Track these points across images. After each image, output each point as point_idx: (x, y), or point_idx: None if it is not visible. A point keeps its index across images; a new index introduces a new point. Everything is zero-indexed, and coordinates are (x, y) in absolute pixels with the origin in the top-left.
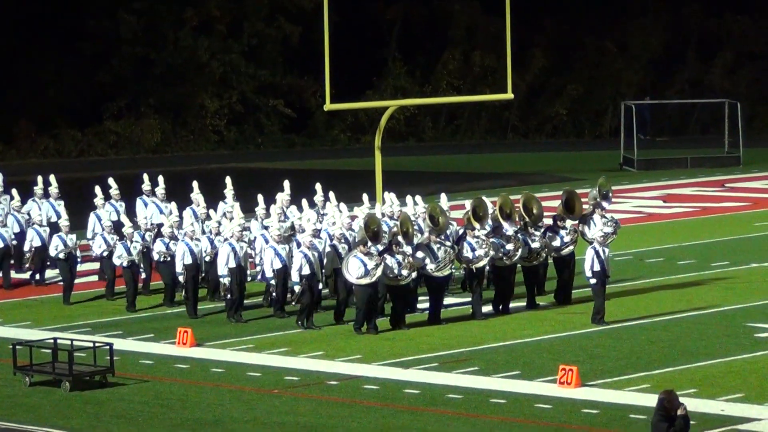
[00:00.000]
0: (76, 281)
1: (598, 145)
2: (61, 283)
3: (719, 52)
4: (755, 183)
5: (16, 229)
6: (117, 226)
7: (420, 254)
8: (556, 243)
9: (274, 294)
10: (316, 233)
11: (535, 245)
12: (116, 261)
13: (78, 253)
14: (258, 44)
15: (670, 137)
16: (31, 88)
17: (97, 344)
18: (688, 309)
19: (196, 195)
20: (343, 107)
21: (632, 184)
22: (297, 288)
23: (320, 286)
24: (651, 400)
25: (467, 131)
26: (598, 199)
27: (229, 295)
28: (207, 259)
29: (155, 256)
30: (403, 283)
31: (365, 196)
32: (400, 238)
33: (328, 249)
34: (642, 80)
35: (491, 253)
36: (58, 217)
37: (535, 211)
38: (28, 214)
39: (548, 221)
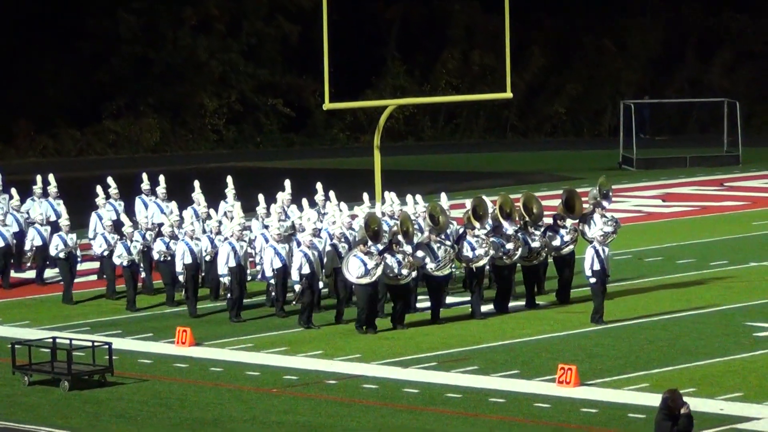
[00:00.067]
0: (76, 281)
1: (597, 144)
2: (61, 282)
3: (718, 51)
4: (754, 182)
5: (15, 229)
6: (117, 226)
7: (420, 253)
8: (556, 242)
9: (273, 293)
10: (317, 232)
11: (535, 244)
12: (116, 260)
13: (78, 253)
14: (257, 43)
15: (669, 136)
16: (30, 87)
17: (96, 343)
18: (687, 308)
19: (198, 194)
20: (342, 106)
21: (631, 183)
22: (297, 287)
23: (321, 285)
24: (650, 400)
25: (466, 130)
26: (599, 199)
27: (229, 295)
28: (207, 258)
29: (155, 256)
30: (403, 283)
31: (365, 196)
32: (400, 237)
33: (328, 248)
34: (641, 79)
35: (491, 252)
36: (57, 216)
37: (535, 210)
38: (27, 213)
39: (548, 220)
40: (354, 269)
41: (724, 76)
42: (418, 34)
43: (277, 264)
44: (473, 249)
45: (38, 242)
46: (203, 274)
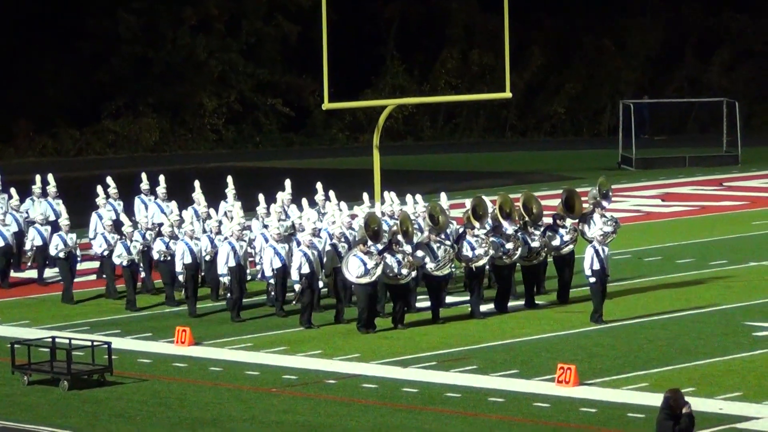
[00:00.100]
0: (76, 280)
1: (596, 143)
2: (61, 282)
3: (717, 50)
4: (753, 182)
5: (15, 229)
6: (117, 226)
7: (420, 253)
8: (556, 242)
9: (272, 293)
10: (316, 232)
11: (535, 244)
12: (116, 260)
13: (78, 252)
14: (256, 43)
15: (669, 136)
16: (29, 87)
17: (95, 343)
18: (686, 308)
19: (198, 194)
20: (342, 106)
21: (630, 183)
22: (297, 287)
23: (320, 284)
24: (649, 399)
25: (465, 130)
26: (598, 198)
27: (229, 294)
28: (207, 258)
29: (155, 256)
30: (402, 282)
31: (365, 195)
32: (399, 237)
33: (328, 248)
34: (640, 79)
35: (491, 252)
36: (56, 216)
37: (534, 210)
38: (27, 213)
39: (548, 220)
40: (354, 269)
41: (724, 75)
42: (417, 33)
43: (277, 264)
44: (473, 249)
45: (38, 242)
46: (203, 273)
